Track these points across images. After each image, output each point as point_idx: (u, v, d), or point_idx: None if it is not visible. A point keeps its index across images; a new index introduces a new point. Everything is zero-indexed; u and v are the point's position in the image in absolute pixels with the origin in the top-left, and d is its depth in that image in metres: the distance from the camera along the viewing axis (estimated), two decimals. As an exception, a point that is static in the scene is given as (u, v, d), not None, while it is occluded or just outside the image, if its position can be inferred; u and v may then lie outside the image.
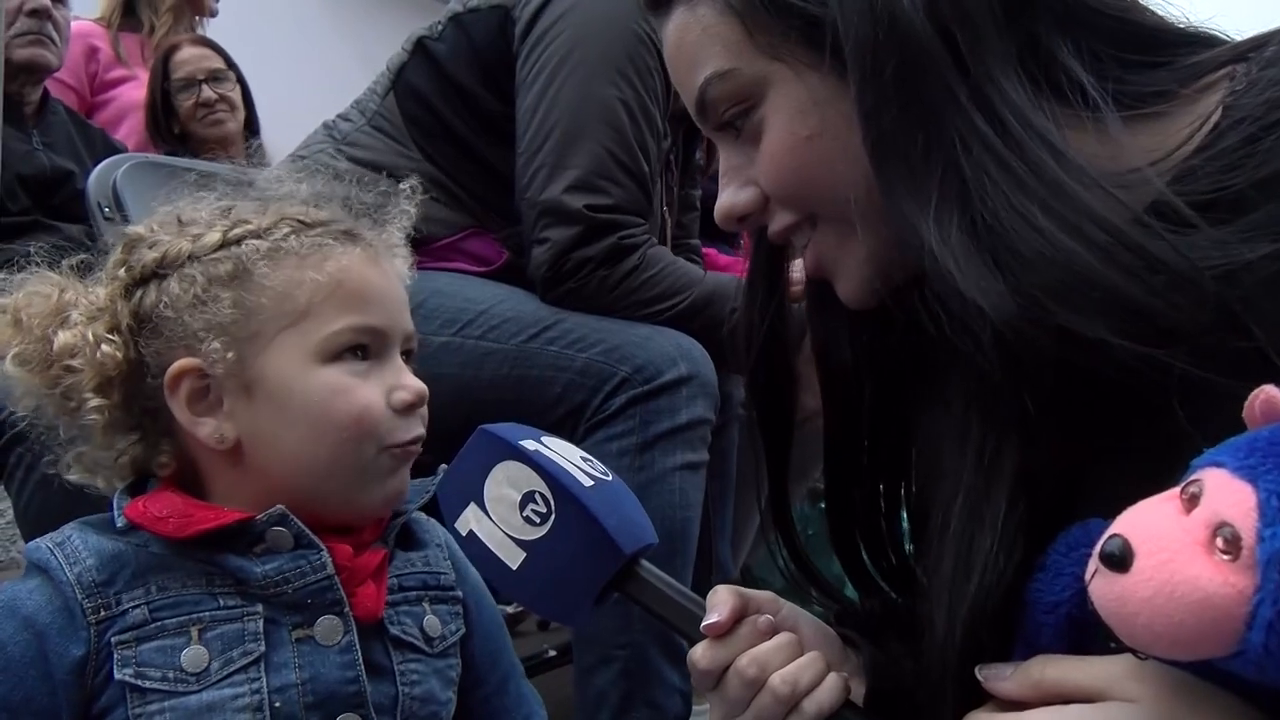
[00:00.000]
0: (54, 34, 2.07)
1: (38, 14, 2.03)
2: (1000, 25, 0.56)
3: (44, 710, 0.62)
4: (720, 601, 0.61)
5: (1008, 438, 0.57)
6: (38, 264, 0.70)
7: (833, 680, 0.60)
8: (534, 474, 0.62)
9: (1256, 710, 0.44)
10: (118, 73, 2.56)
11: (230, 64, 2.49)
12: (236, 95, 2.47)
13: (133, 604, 0.64)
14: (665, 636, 1.15)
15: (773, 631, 0.61)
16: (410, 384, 0.71)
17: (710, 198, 0.89)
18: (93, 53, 2.53)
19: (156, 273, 0.69)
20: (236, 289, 0.67)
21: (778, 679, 0.59)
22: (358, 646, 0.68)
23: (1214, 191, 0.53)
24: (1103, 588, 0.43)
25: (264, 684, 0.64)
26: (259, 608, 0.66)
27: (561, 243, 1.24)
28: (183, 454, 0.71)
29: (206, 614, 0.65)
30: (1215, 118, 0.56)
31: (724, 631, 0.61)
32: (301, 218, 0.71)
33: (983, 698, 0.54)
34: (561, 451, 0.65)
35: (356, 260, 0.71)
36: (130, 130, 2.48)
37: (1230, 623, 0.39)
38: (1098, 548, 0.43)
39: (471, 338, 1.22)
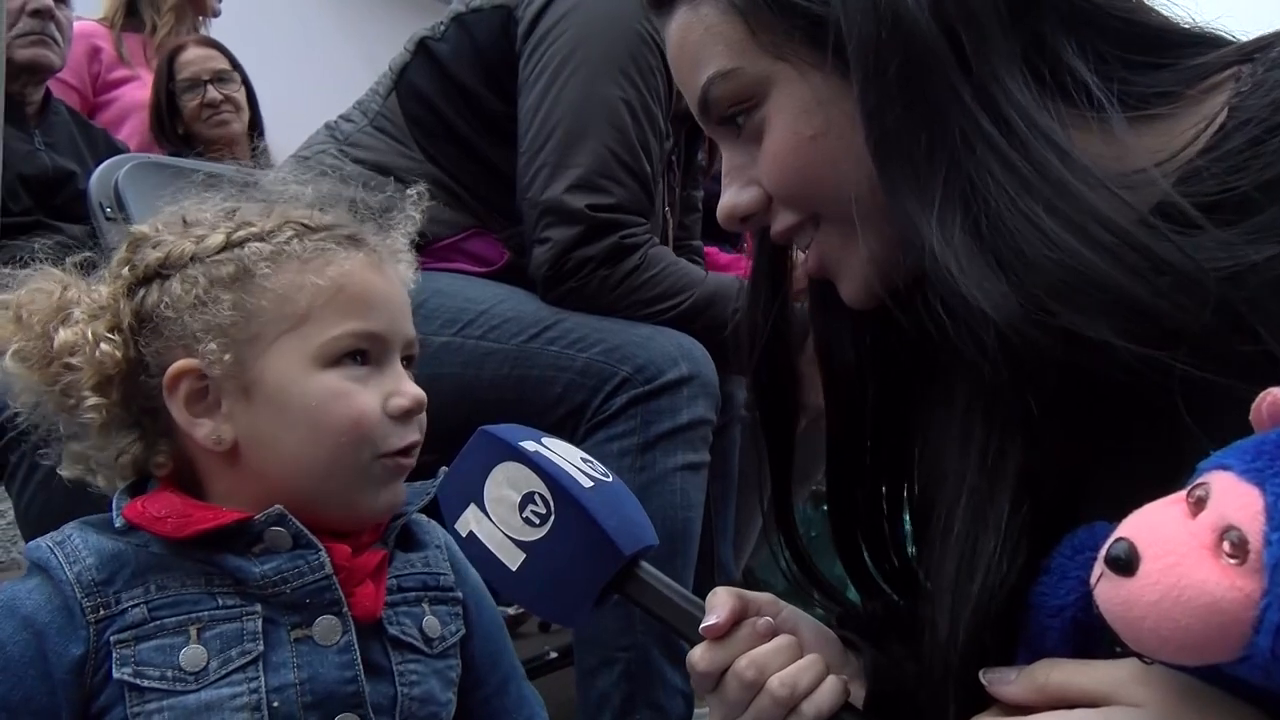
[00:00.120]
0: (56, 34, 2.07)
1: (40, 14, 2.03)
2: (1005, 24, 0.56)
3: (43, 709, 0.62)
4: (719, 603, 0.61)
5: (1011, 439, 0.57)
6: (42, 260, 0.71)
7: (832, 683, 0.59)
8: (534, 475, 0.62)
9: (1263, 715, 0.44)
10: (120, 73, 2.57)
11: (235, 64, 2.49)
12: (241, 96, 2.47)
13: (132, 603, 0.64)
14: (667, 638, 1.15)
15: (772, 634, 0.61)
16: (408, 390, 0.71)
17: (712, 199, 0.89)
18: (95, 53, 2.54)
19: (159, 273, 0.69)
20: (238, 291, 0.68)
21: (776, 681, 0.58)
22: (356, 646, 0.67)
23: (1219, 193, 0.53)
24: (1108, 591, 0.43)
25: (262, 683, 0.64)
26: (257, 607, 0.66)
27: (563, 242, 1.24)
28: (180, 454, 0.71)
29: (205, 613, 0.65)
30: (1221, 119, 0.55)
31: (723, 633, 0.61)
32: (305, 221, 0.72)
33: (985, 701, 0.54)
34: (561, 452, 0.65)
35: (359, 265, 0.71)
36: (133, 130, 2.48)
37: (1237, 627, 0.39)
38: (1103, 551, 0.43)
39: (472, 338, 1.22)
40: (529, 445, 0.64)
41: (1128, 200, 0.52)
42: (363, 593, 0.69)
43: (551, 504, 0.62)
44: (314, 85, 2.88)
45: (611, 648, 1.16)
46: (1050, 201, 0.52)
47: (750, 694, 0.59)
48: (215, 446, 0.68)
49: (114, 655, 0.62)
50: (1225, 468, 0.42)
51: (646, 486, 1.16)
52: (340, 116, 1.42)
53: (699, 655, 0.61)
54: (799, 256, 0.70)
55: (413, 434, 0.71)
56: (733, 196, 0.66)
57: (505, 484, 0.63)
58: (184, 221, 0.72)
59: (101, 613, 0.63)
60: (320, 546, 0.67)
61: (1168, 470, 0.46)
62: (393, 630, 0.71)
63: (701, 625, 0.61)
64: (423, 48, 1.36)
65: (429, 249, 1.23)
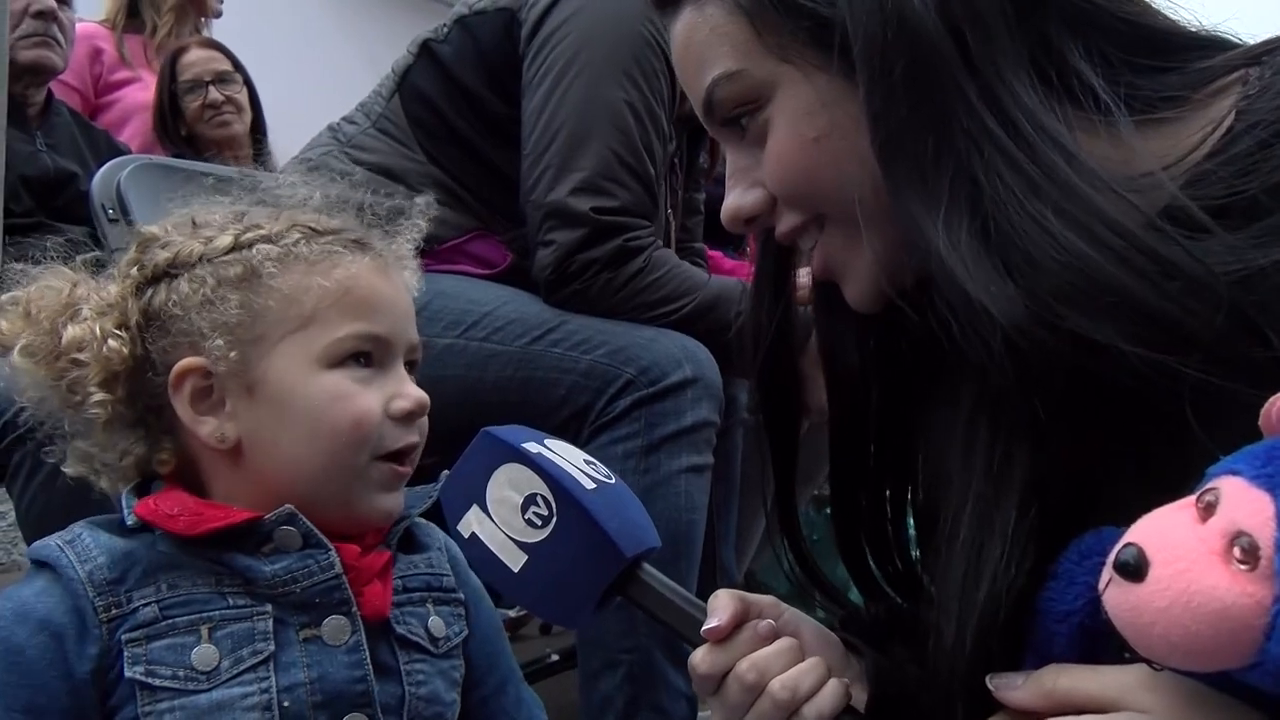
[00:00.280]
0: (59, 35, 2.08)
1: (43, 15, 2.04)
2: (1011, 26, 0.56)
3: (69, 710, 0.62)
4: (721, 606, 0.61)
5: (1018, 444, 0.57)
6: (53, 258, 0.71)
7: (833, 686, 0.59)
8: (536, 476, 0.62)
9: (1273, 722, 0.44)
10: (122, 74, 2.57)
11: (237, 66, 2.50)
12: (243, 97, 2.47)
13: (143, 602, 0.64)
14: (671, 641, 1.15)
15: (773, 636, 0.61)
16: (410, 393, 0.71)
17: (714, 201, 0.89)
18: (97, 54, 2.54)
19: (168, 272, 0.70)
20: (245, 291, 0.68)
21: (777, 684, 0.58)
22: (365, 646, 0.68)
23: (1227, 196, 0.53)
24: (1117, 597, 0.42)
25: (273, 683, 0.65)
26: (268, 607, 0.66)
27: (567, 244, 1.23)
28: (183, 453, 0.71)
29: (216, 613, 0.65)
30: (1228, 122, 0.55)
31: (724, 636, 0.60)
32: (313, 225, 0.72)
33: (992, 707, 0.53)
34: (564, 454, 0.65)
35: (365, 269, 0.71)
36: (135, 132, 2.48)
37: (1248, 633, 0.39)
38: (1112, 556, 0.43)
39: (476, 340, 1.21)
40: (532, 447, 0.64)
41: (1135, 203, 0.52)
42: (371, 592, 0.69)
43: (554, 505, 0.62)
44: (315, 86, 2.89)
45: (615, 650, 1.16)
46: (1057, 204, 0.52)
47: (751, 697, 0.59)
48: (219, 445, 0.68)
49: (125, 654, 0.63)
50: (1235, 473, 0.42)
51: (650, 489, 1.15)
52: (343, 118, 1.42)
53: (700, 658, 0.61)
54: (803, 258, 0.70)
55: (412, 436, 0.71)
56: (737, 198, 0.66)
57: (508, 485, 0.63)
58: (193, 223, 0.72)
59: (114, 612, 0.63)
60: (330, 546, 0.67)
61: (1176, 475, 0.45)
62: (400, 630, 0.71)
63: (703, 628, 0.61)
64: (425, 50, 1.36)
65: (432, 251, 1.22)
